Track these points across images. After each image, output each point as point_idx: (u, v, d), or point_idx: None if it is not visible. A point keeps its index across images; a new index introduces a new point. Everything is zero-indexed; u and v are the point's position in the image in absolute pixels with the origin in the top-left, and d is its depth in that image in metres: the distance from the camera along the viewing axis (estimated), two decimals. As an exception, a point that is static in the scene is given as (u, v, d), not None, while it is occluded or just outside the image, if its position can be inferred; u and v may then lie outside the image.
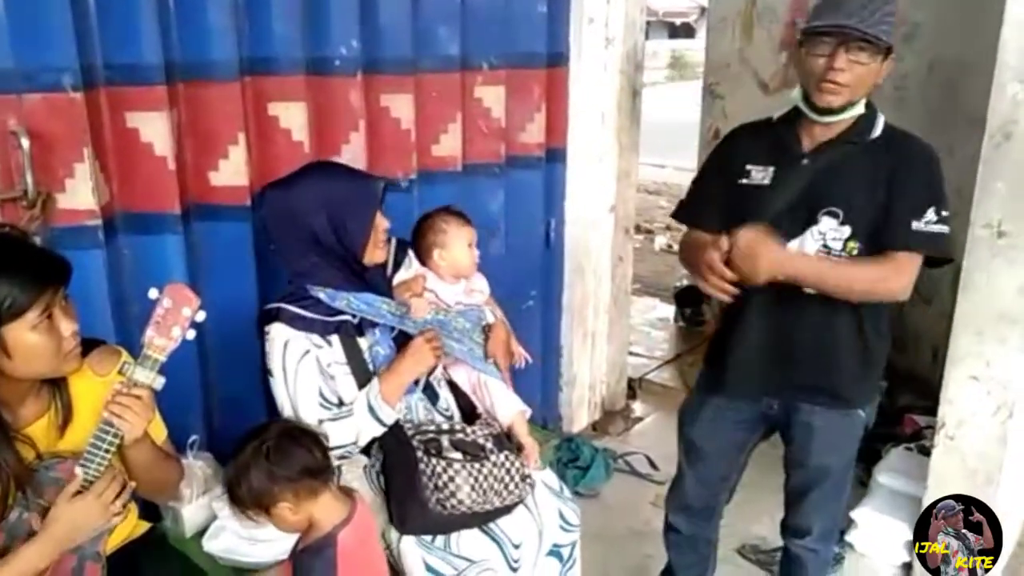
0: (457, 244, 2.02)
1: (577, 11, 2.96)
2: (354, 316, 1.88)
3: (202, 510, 2.01)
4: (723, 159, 1.97)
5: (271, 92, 2.18)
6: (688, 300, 4.64)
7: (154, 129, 1.97)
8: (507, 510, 1.88)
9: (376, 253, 1.91)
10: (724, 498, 2.22)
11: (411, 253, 2.08)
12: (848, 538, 2.72)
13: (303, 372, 1.82)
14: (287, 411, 1.85)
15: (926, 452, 2.67)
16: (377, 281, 1.96)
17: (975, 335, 2.27)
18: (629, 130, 3.28)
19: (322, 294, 1.86)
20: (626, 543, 2.82)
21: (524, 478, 1.88)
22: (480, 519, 1.86)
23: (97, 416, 1.45)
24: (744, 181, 1.88)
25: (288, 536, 1.87)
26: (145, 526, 1.73)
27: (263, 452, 1.57)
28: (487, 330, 2.09)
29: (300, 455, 1.60)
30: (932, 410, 2.60)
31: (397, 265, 2.05)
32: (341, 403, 1.86)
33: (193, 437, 2.03)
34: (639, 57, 3.25)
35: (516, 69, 2.78)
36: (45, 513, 1.43)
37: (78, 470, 1.43)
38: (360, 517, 1.67)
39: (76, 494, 1.42)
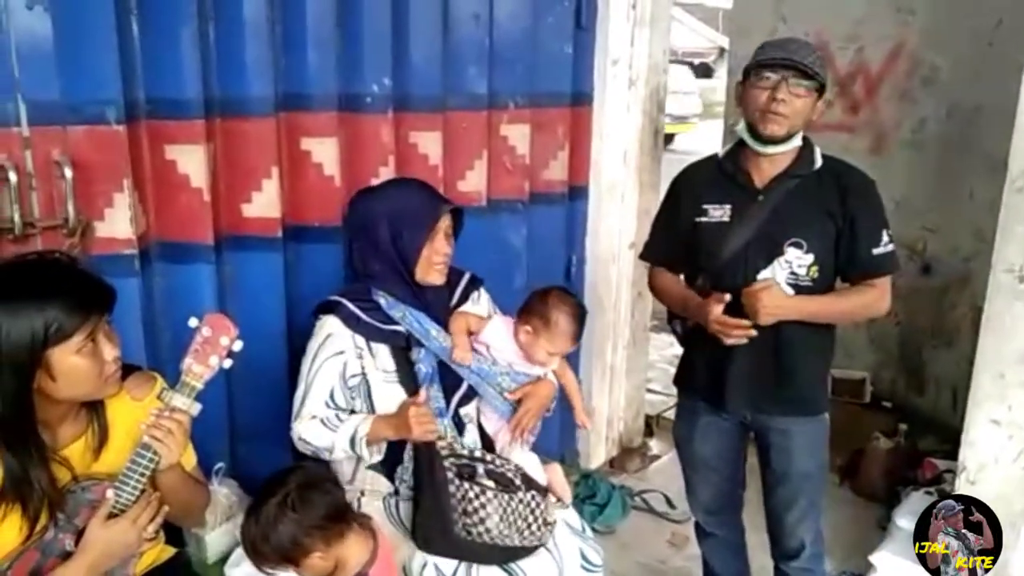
0: (546, 345, 1.97)
1: (601, 52, 3.02)
2: (406, 330, 1.93)
3: (225, 536, 2.03)
4: (678, 200, 2.10)
5: (305, 127, 2.24)
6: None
7: (191, 161, 2.03)
8: (525, 552, 1.87)
9: (431, 273, 1.95)
10: (741, 492, 2.34)
11: (483, 291, 2.12)
12: (867, 581, 2.70)
13: (326, 368, 1.89)
14: (300, 390, 1.92)
15: (946, 496, 2.65)
16: (436, 305, 1.99)
17: (997, 378, 2.27)
18: (650, 168, 3.32)
19: (383, 300, 1.93)
20: (643, 581, 2.81)
21: (547, 523, 1.88)
22: (497, 555, 1.85)
23: (132, 439, 1.49)
24: (703, 219, 2.01)
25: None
26: (171, 551, 1.76)
27: (288, 504, 1.56)
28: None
29: (324, 500, 1.59)
30: (952, 454, 2.59)
31: (464, 298, 2.07)
32: (350, 410, 1.93)
33: (219, 464, 2.05)
34: (661, 97, 3.30)
35: (541, 108, 2.84)
36: (79, 534, 1.46)
37: (110, 493, 1.46)
38: (383, 550, 1.68)
39: (110, 517, 1.45)
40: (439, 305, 2.00)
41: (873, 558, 2.68)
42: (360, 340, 1.91)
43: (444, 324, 1.99)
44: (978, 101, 3.46)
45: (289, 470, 1.69)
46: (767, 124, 1.87)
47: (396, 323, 1.92)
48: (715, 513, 2.33)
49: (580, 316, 1.99)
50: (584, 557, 1.98)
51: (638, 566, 2.88)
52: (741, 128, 1.97)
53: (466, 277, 2.09)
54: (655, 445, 3.75)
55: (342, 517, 1.62)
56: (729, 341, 1.91)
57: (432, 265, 1.94)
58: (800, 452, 2.08)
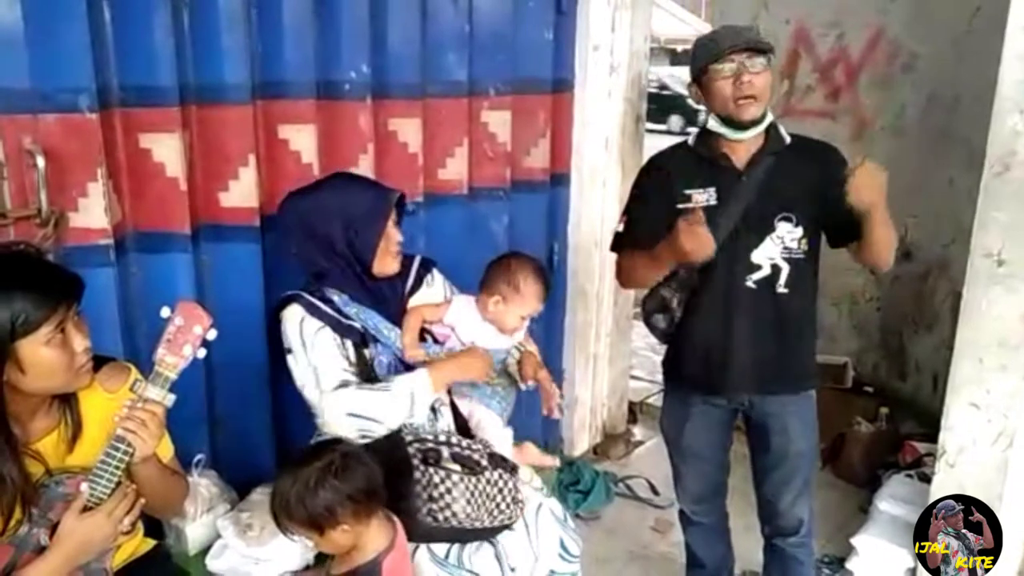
0: (517, 310, 2.00)
1: (583, 38, 3.01)
2: (361, 326, 1.92)
3: (205, 528, 2.02)
4: (655, 188, 2.07)
5: (282, 115, 2.21)
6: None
7: (167, 150, 2.00)
8: (493, 531, 1.87)
9: (387, 264, 1.94)
10: (727, 479, 2.35)
11: (435, 273, 2.10)
12: (848, 565, 2.72)
13: (320, 341, 1.85)
14: (308, 385, 1.84)
15: (926, 479, 2.68)
16: (388, 294, 1.98)
17: (976, 362, 2.29)
18: (632, 155, 3.31)
19: (336, 297, 1.90)
20: (627, 567, 2.82)
21: (516, 501, 1.88)
22: (465, 536, 1.85)
23: (106, 432, 1.46)
24: (687, 205, 1.98)
25: (291, 556, 1.88)
26: (150, 543, 1.74)
27: (331, 471, 1.57)
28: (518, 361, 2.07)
29: (365, 472, 1.60)
30: (932, 437, 2.61)
31: (419, 282, 2.06)
32: (363, 371, 1.88)
33: (198, 456, 2.04)
34: (643, 84, 3.30)
35: (522, 95, 2.82)
36: (54, 528, 1.44)
37: (84, 486, 1.44)
38: (400, 542, 1.68)
39: (85, 510, 1.43)
40: (394, 298, 1.99)
41: (855, 541, 2.71)
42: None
43: (397, 316, 1.98)
44: (958, 88, 3.47)
45: (333, 441, 1.70)
46: (744, 110, 1.89)
47: (351, 319, 1.91)
48: (702, 502, 2.34)
49: (543, 273, 2.03)
50: (563, 547, 1.98)
51: (622, 552, 2.89)
52: (712, 123, 1.97)
53: (417, 261, 2.08)
54: (638, 431, 3.77)
55: (376, 496, 1.63)
56: (688, 242, 1.81)
57: (388, 255, 1.94)
58: (797, 431, 2.11)
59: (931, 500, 2.44)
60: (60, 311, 1.38)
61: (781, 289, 1.97)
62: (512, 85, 2.77)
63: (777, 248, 1.95)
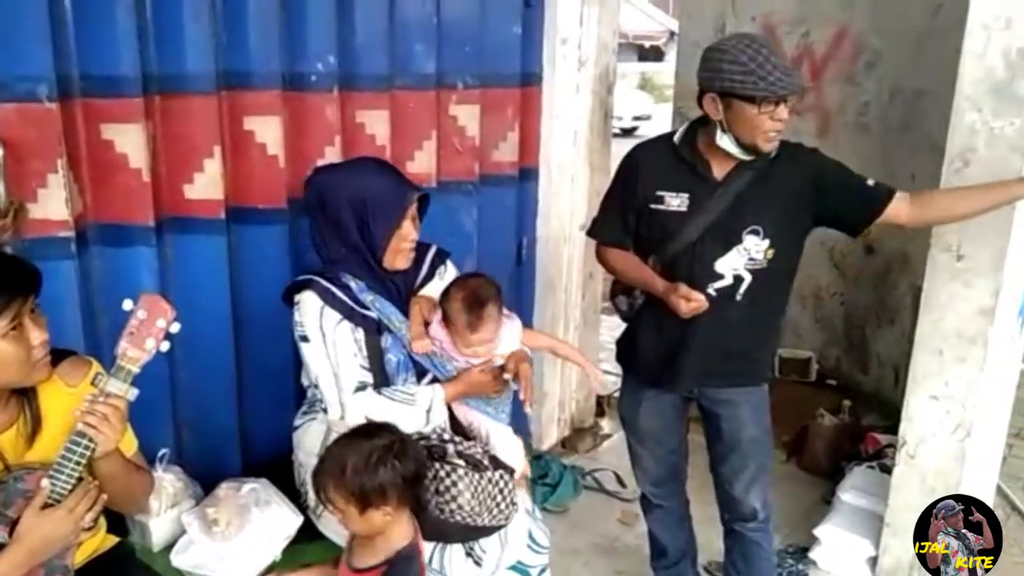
0: (467, 339, 1.91)
1: (551, 32, 3.01)
2: (376, 316, 1.91)
3: (170, 524, 1.99)
4: (632, 182, 2.08)
5: (247, 106, 2.18)
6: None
7: (129, 141, 1.96)
8: (491, 531, 1.89)
9: (397, 259, 1.92)
10: (684, 464, 2.41)
11: (449, 264, 2.09)
12: (811, 555, 2.76)
13: (340, 336, 1.84)
14: (324, 377, 1.85)
15: (887, 470, 2.73)
16: (401, 286, 1.97)
17: (935, 355, 2.34)
18: (600, 150, 3.33)
19: (353, 283, 1.89)
20: (594, 559, 2.83)
21: (513, 503, 1.89)
22: (467, 534, 1.86)
23: (66, 427, 1.44)
24: (659, 207, 2.01)
25: (257, 551, 1.87)
26: (113, 540, 1.72)
27: (393, 451, 1.56)
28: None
29: (417, 460, 1.62)
30: (893, 429, 2.67)
31: (431, 274, 2.04)
32: (375, 363, 1.89)
33: (163, 451, 2.01)
34: (611, 78, 3.31)
35: (490, 88, 2.81)
36: (13, 525, 1.41)
37: (45, 482, 1.42)
38: (419, 540, 1.68)
39: (46, 507, 1.41)
40: (406, 290, 1.98)
41: (818, 531, 2.75)
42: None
43: (407, 309, 1.97)
44: (920, 84, 3.53)
45: (382, 425, 1.68)
46: (768, 144, 1.89)
47: (367, 307, 1.89)
48: (660, 484, 2.37)
49: (475, 300, 1.87)
50: (532, 537, 2.00)
51: (589, 544, 2.91)
52: (726, 142, 1.91)
53: (431, 252, 2.06)
54: (606, 425, 3.79)
55: (420, 484, 1.65)
56: (688, 313, 1.92)
57: (399, 252, 1.92)
58: (748, 419, 2.15)
59: (892, 490, 2.50)
60: (16, 304, 1.36)
61: (739, 298, 1.99)
62: (480, 78, 2.75)
63: (742, 259, 1.96)
